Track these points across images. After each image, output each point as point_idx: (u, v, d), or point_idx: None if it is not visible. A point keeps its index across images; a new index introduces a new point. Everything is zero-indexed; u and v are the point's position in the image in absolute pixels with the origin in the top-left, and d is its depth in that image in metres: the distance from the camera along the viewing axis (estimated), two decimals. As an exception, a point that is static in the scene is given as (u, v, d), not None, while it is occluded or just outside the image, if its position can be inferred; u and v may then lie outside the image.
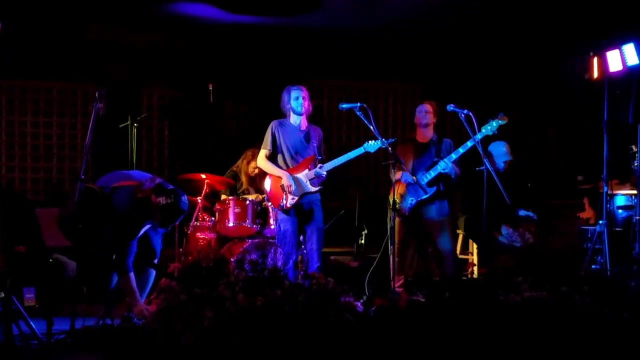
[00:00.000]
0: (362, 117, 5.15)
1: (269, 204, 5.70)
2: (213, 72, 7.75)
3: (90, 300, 5.12)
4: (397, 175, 5.51)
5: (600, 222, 5.65)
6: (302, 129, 5.50)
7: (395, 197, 5.53)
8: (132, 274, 4.74)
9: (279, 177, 5.36)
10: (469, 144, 5.31)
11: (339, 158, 5.40)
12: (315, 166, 5.39)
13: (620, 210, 6.29)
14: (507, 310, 3.48)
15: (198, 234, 6.08)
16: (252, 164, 6.47)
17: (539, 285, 3.69)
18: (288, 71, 8.01)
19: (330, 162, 5.42)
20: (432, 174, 5.45)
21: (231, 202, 5.99)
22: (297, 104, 5.43)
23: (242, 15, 6.63)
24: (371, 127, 5.06)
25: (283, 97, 5.51)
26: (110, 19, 6.70)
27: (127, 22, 6.78)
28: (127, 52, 7.44)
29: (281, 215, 5.44)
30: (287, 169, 5.41)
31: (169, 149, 8.12)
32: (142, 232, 4.83)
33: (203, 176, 6.10)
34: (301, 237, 5.50)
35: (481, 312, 3.45)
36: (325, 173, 5.39)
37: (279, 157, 5.48)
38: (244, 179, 6.51)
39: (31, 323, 4.09)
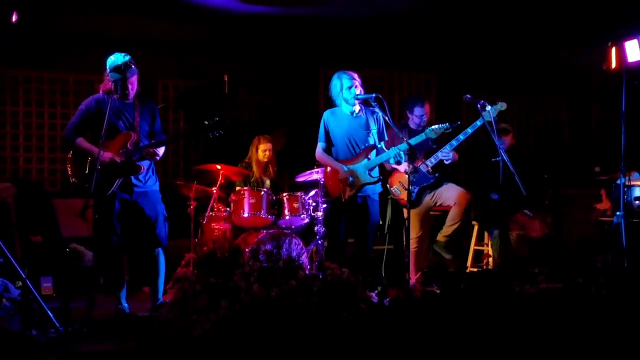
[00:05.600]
0: (377, 107, 5.14)
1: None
2: (227, 62, 7.75)
3: (107, 289, 5.17)
4: (395, 164, 5.47)
5: (618, 213, 5.62)
6: (356, 116, 5.33)
7: (396, 185, 5.55)
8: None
9: (336, 169, 5.22)
10: (469, 130, 5.35)
11: (390, 150, 5.23)
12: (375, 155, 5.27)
13: (637, 202, 6.25)
14: (522, 301, 3.47)
15: (213, 224, 6.10)
16: (262, 147, 6.45)
17: (555, 277, 3.68)
18: (302, 60, 8.00)
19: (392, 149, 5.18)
20: (433, 161, 5.49)
21: (246, 193, 5.97)
22: (349, 93, 5.24)
23: (255, 5, 6.61)
24: (386, 117, 5.06)
25: (333, 84, 5.31)
26: (125, 8, 6.71)
27: (142, 11, 6.78)
28: (142, 41, 7.45)
29: (331, 205, 5.40)
30: (344, 160, 5.27)
31: (184, 139, 8.13)
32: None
33: (218, 167, 6.11)
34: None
35: (496, 303, 3.44)
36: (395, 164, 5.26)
37: (334, 149, 5.34)
38: (255, 168, 6.49)
39: (48, 312, 4.14)
